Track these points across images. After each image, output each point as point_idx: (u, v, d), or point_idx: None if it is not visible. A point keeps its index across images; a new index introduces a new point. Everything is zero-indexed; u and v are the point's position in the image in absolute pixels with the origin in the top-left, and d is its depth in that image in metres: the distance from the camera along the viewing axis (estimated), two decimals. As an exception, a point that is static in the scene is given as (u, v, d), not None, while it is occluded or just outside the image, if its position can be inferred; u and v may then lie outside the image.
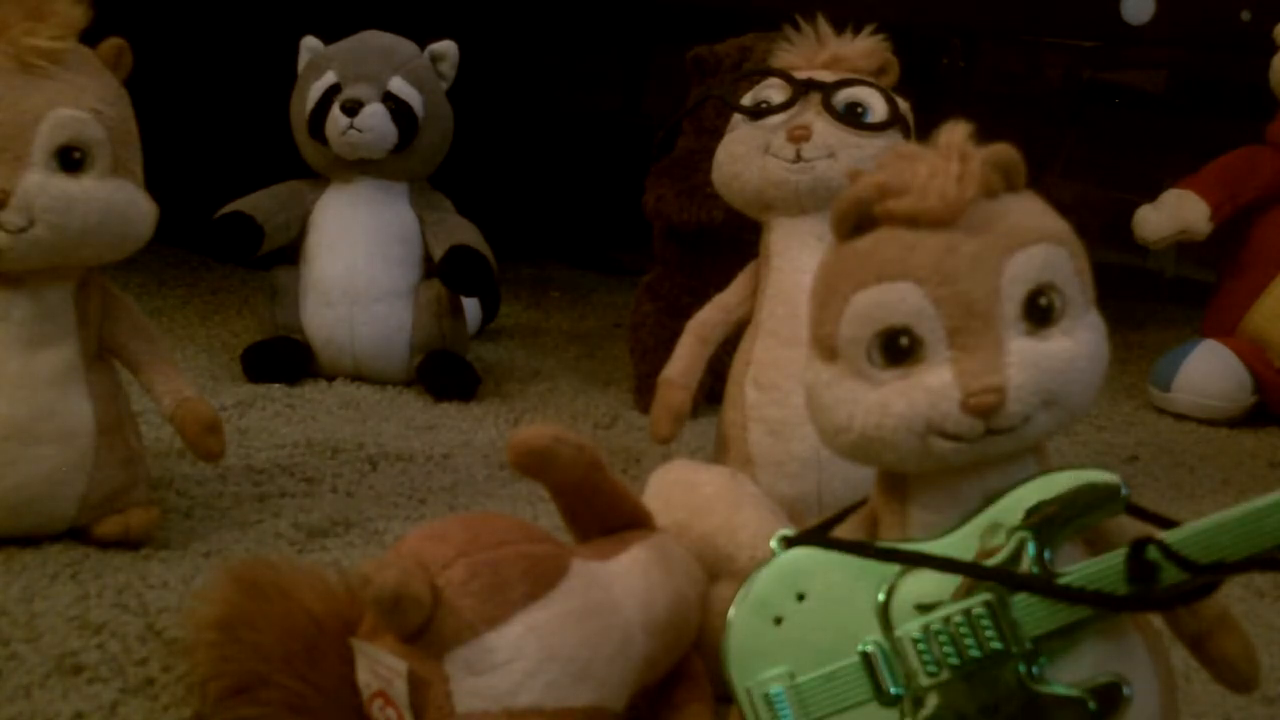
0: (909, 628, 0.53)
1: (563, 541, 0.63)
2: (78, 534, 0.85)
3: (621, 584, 0.62)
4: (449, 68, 1.29)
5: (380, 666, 0.55)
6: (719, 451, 0.94)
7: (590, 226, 1.90)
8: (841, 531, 0.58)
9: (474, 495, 1.00)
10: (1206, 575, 0.52)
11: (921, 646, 0.53)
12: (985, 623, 0.52)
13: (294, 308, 1.26)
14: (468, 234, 1.25)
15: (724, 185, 0.93)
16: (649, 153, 1.22)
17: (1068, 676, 0.52)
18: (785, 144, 0.88)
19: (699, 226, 1.21)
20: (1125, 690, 0.52)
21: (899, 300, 0.53)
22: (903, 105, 0.90)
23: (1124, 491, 0.53)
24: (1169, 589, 0.52)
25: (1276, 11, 1.37)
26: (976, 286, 0.52)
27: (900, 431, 0.52)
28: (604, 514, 0.66)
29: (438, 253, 1.24)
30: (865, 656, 0.54)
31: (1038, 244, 0.53)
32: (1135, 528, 0.54)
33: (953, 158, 0.54)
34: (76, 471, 0.83)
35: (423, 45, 1.28)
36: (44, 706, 0.66)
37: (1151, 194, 1.38)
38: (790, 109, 0.89)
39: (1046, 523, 0.53)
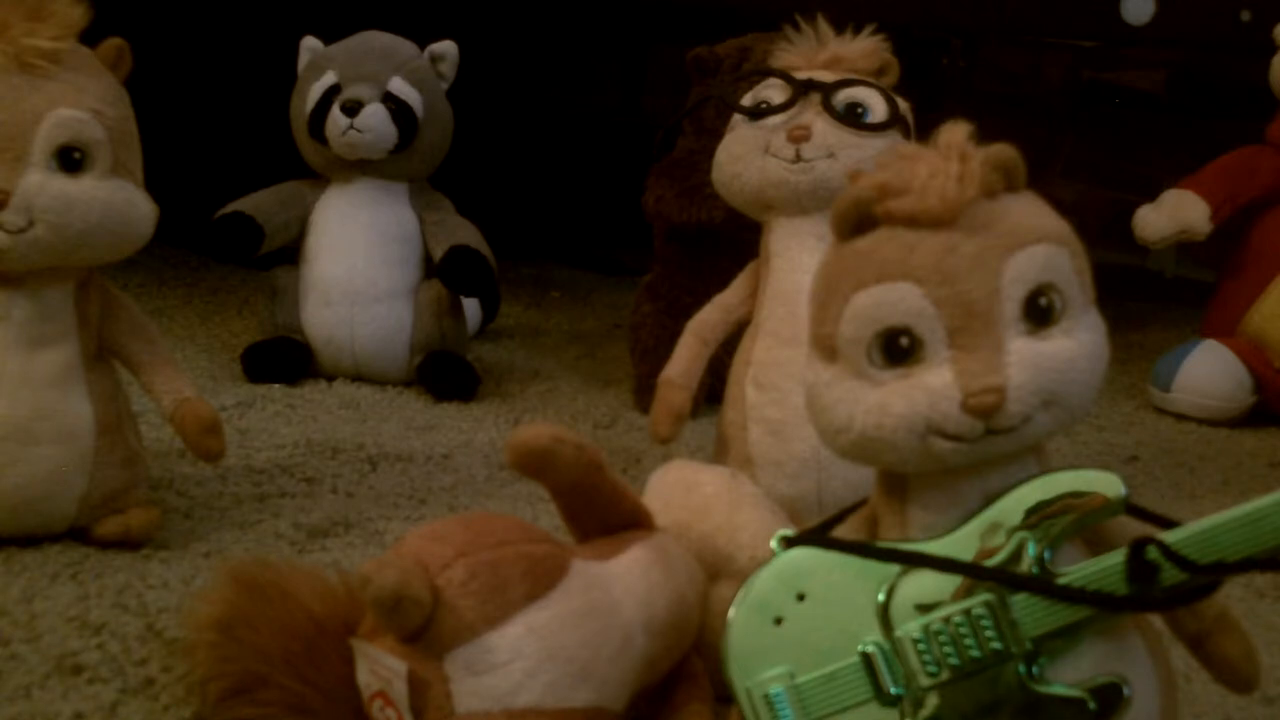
0: (909, 628, 0.53)
1: (563, 541, 0.63)
2: (78, 534, 0.85)
3: (621, 584, 0.62)
4: (449, 68, 1.29)
5: (380, 667, 0.55)
6: (719, 451, 0.94)
7: (590, 226, 1.90)
8: (841, 532, 0.58)
9: (474, 495, 1.00)
10: (1206, 575, 0.52)
11: (922, 647, 0.53)
12: (985, 623, 0.52)
13: (294, 308, 1.26)
14: (468, 234, 1.25)
15: (724, 185, 0.93)
16: (649, 153, 1.22)
17: (1068, 676, 0.52)
18: (785, 144, 0.88)
19: (699, 226, 1.21)
20: (1125, 690, 0.52)
21: (899, 300, 0.53)
22: (903, 105, 0.90)
23: (1124, 491, 0.53)
24: (1169, 589, 0.52)
25: (1276, 11, 1.37)
26: (976, 286, 0.52)
27: (900, 432, 0.52)
28: (604, 514, 0.66)
29: (438, 253, 1.24)
30: (865, 657, 0.54)
31: (1038, 244, 0.53)
32: (1135, 528, 0.54)
33: (953, 158, 0.54)
34: (76, 472, 0.83)
35: (423, 45, 1.28)
36: (44, 706, 0.66)
37: (1151, 194, 1.37)
38: (790, 109, 0.89)
39: (1048, 524, 0.53)
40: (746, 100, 0.92)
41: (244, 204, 1.24)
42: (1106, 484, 0.53)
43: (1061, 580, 0.52)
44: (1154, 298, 1.85)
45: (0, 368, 0.81)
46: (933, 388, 0.52)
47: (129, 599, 0.78)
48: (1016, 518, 0.53)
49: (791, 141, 0.88)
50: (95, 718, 0.65)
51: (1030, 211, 0.55)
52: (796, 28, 0.94)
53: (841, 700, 0.54)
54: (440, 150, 1.28)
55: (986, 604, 0.52)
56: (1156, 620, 0.56)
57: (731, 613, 0.56)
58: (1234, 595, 0.85)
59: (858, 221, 0.55)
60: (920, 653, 0.53)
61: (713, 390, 1.06)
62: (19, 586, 0.79)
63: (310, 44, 1.28)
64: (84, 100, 0.80)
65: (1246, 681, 0.56)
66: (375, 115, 1.22)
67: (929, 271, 0.52)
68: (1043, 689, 0.52)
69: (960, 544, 0.53)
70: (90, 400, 0.84)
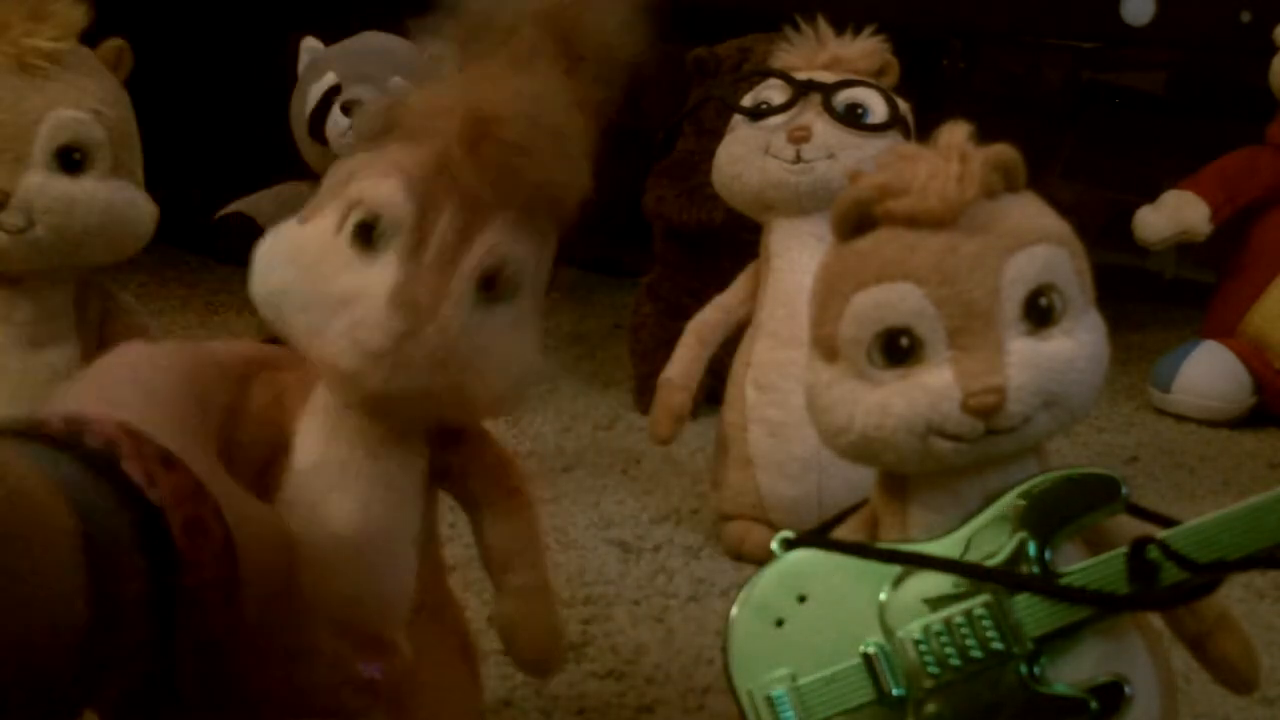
0: (910, 629, 0.53)
1: None
2: (78, 535, 0.85)
3: None
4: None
5: None
6: (719, 453, 0.94)
7: (590, 226, 1.90)
8: (842, 533, 0.58)
9: (474, 496, 1.00)
10: (1207, 574, 0.52)
11: (923, 647, 0.53)
12: (986, 623, 0.52)
13: (294, 308, 1.26)
14: (468, 235, 1.25)
15: (724, 186, 0.93)
16: (649, 154, 1.22)
17: (1068, 676, 0.52)
18: (785, 145, 0.88)
19: (699, 227, 1.21)
20: (1126, 690, 0.52)
21: (899, 300, 0.53)
22: (903, 106, 0.90)
23: (1124, 490, 0.53)
24: (1169, 588, 0.52)
25: (1276, 11, 1.37)
26: (976, 287, 0.52)
27: (900, 432, 0.52)
28: None
29: (438, 253, 1.24)
30: (867, 658, 0.54)
31: (1038, 244, 0.53)
32: (1135, 527, 0.54)
33: (953, 158, 0.54)
34: (77, 472, 0.83)
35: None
36: (44, 707, 0.66)
37: (1151, 195, 1.37)
38: (790, 110, 0.89)
39: (1046, 520, 0.53)
40: (746, 101, 0.92)
41: (244, 204, 1.24)
42: (1107, 484, 0.53)
43: (1063, 580, 0.52)
44: (1154, 298, 1.85)
45: (1, 369, 0.81)
46: (933, 388, 0.52)
47: (129, 600, 0.77)
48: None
49: (792, 142, 0.88)
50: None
51: (1030, 212, 0.55)
52: (796, 28, 0.94)
53: (843, 701, 0.54)
54: (440, 151, 1.28)
55: (988, 604, 0.53)
56: (1156, 620, 0.56)
57: (733, 614, 0.56)
58: (1234, 596, 0.85)
59: (858, 222, 0.55)
60: (921, 653, 0.53)
61: (713, 390, 1.06)
62: (19, 587, 0.78)
63: (310, 45, 1.28)
64: (84, 101, 0.80)
65: (1246, 682, 0.56)
66: (375, 116, 1.21)
67: (929, 271, 0.52)
68: (1044, 689, 0.52)
69: (961, 544, 0.53)
70: (90, 401, 0.84)
